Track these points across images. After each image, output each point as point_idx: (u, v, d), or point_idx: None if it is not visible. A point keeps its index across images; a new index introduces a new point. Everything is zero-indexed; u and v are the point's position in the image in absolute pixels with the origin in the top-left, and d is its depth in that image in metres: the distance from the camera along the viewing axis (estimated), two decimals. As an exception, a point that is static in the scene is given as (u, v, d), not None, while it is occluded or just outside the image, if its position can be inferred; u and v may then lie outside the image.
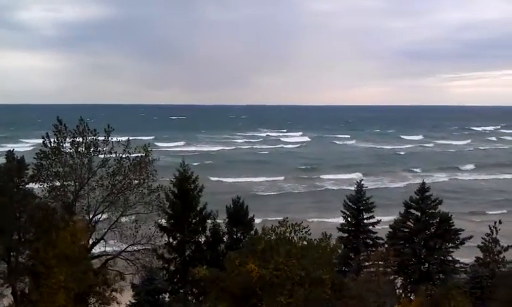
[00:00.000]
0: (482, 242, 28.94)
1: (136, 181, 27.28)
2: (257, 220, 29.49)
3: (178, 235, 28.66)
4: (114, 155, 27.03)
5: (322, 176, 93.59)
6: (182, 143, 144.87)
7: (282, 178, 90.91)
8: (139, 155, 27.53)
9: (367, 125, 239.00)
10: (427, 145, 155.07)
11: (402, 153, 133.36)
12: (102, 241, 26.72)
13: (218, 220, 29.43)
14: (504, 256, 28.47)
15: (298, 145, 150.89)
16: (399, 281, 31.88)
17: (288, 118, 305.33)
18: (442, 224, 31.63)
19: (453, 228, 31.81)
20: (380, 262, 29.02)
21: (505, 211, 64.52)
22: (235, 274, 23.78)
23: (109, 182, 26.75)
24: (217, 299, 23.73)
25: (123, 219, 26.93)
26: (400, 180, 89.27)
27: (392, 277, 30.29)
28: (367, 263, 30.69)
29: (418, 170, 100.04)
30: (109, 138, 26.98)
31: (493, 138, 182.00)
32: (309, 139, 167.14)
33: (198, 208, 28.80)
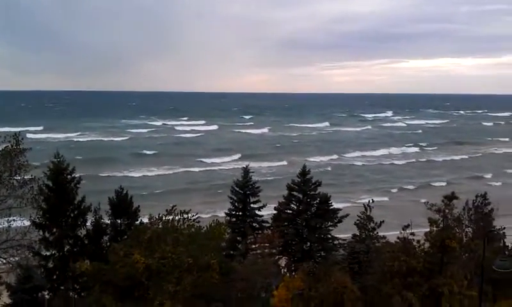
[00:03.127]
0: (358, 220, 31.61)
1: (7, 173, 25.61)
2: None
3: (55, 230, 27.58)
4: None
5: (226, 167, 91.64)
6: (75, 134, 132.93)
7: (181, 169, 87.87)
8: (9, 145, 25.81)
9: (262, 113, 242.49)
10: (327, 131, 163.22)
11: (304, 140, 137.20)
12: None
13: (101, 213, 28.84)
14: (377, 232, 31.33)
15: (198, 134, 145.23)
16: (283, 261, 33.73)
17: (179, 106, 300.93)
18: (322, 204, 34.00)
19: (331, 207, 34.35)
20: (266, 244, 30.55)
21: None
22: (119, 265, 23.67)
23: (-25, 175, 24.82)
24: (102, 292, 23.43)
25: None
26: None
27: (277, 257, 31.99)
28: (253, 246, 32.04)
29: (319, 157, 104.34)
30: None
31: (388, 124, 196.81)
32: (216, 127, 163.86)
33: (76, 201, 27.93)
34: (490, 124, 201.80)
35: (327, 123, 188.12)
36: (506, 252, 25.16)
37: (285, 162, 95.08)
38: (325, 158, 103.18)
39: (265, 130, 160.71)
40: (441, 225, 26.80)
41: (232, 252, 32.64)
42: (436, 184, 77.91)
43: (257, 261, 28.69)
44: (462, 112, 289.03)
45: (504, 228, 31.45)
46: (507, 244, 28.61)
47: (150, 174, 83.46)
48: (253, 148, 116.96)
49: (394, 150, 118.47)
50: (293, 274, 31.22)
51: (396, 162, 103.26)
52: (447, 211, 26.96)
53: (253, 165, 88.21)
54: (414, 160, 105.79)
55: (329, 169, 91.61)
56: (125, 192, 29.13)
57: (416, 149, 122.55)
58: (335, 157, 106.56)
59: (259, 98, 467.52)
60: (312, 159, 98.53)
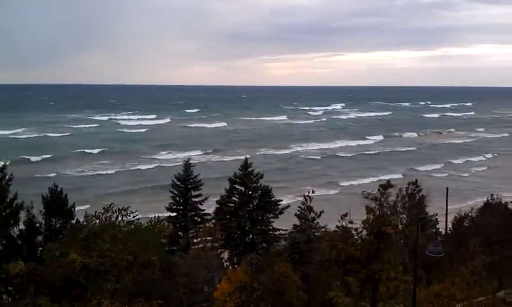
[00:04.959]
0: (298, 210, 32.37)
1: None
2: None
3: (-14, 230, 26.68)
4: None
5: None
6: (17, 130, 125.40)
7: (132, 168, 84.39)
8: None
9: (209, 106, 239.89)
10: (283, 124, 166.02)
11: (263, 133, 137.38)
12: None
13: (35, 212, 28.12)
14: (317, 222, 32.21)
15: (146, 129, 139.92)
16: (226, 254, 34.09)
17: (123, 99, 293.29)
18: (263, 196, 34.58)
19: (273, 199, 34.99)
20: (208, 238, 30.76)
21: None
22: (55, 265, 23.31)
23: None
24: (37, 294, 22.99)
25: None
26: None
27: (219, 251, 32.29)
28: (195, 240, 32.19)
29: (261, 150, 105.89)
30: None
31: (347, 116, 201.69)
32: (166, 121, 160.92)
33: (8, 199, 27.06)
34: (436, 115, 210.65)
35: (284, 117, 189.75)
36: (439, 238, 26.64)
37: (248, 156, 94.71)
38: (282, 152, 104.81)
39: (223, 124, 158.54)
40: (377, 213, 27.98)
41: (173, 247, 32.65)
42: (388, 176, 78.05)
43: (199, 255, 28.87)
44: (407, 104, 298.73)
45: (437, 215, 33.28)
46: (439, 230, 30.40)
47: (96, 172, 79.68)
48: (213, 143, 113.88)
49: (346, 143, 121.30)
50: (236, 266, 31.63)
51: (349, 154, 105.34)
52: (382, 199, 28.08)
53: (216, 159, 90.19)
54: (365, 152, 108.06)
55: (289, 164, 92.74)
56: (59, 189, 28.48)
57: (366, 141, 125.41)
58: (294, 150, 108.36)
59: (201, 91, 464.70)
60: (274, 152, 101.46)
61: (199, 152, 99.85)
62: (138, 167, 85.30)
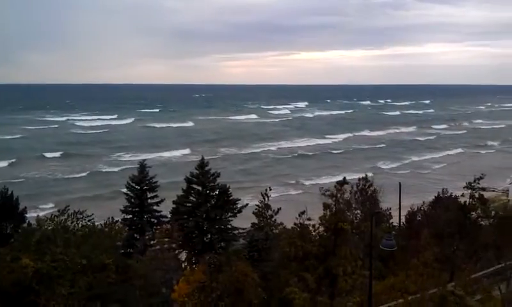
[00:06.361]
0: (256, 208, 33.20)
1: None
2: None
3: None
4: None
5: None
6: None
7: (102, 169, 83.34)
8: None
9: (169, 106, 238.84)
10: (252, 123, 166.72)
11: (235, 133, 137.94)
12: None
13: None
14: (275, 219, 33.14)
15: (106, 130, 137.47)
16: (184, 255, 34.53)
17: (75, 99, 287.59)
18: (221, 195, 35.16)
19: (231, 198, 35.60)
20: (165, 239, 31.19)
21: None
22: (6, 271, 23.34)
23: None
24: (-12, 301, 22.98)
25: None
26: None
27: (177, 251, 32.74)
28: (152, 242, 32.53)
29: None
30: None
31: (309, 115, 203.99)
32: (129, 121, 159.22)
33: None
34: (397, 113, 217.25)
35: (247, 116, 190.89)
36: (393, 232, 27.95)
37: (218, 155, 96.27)
38: (246, 151, 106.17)
39: (186, 123, 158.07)
40: (333, 209, 29.08)
41: (130, 250, 32.85)
42: (353, 176, 77.97)
43: (156, 257, 29.24)
44: (367, 102, 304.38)
45: (390, 209, 34.69)
46: (393, 224, 31.77)
47: (56, 177, 77.23)
48: (177, 143, 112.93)
49: (312, 141, 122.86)
50: (194, 267, 32.11)
51: (314, 153, 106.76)
52: (339, 195, 29.22)
53: (177, 160, 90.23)
54: (330, 151, 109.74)
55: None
56: (10, 192, 28.40)
57: (331, 140, 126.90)
58: (259, 149, 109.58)
59: (156, 90, 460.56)
60: (239, 152, 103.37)
61: (163, 153, 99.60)
62: (103, 169, 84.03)
